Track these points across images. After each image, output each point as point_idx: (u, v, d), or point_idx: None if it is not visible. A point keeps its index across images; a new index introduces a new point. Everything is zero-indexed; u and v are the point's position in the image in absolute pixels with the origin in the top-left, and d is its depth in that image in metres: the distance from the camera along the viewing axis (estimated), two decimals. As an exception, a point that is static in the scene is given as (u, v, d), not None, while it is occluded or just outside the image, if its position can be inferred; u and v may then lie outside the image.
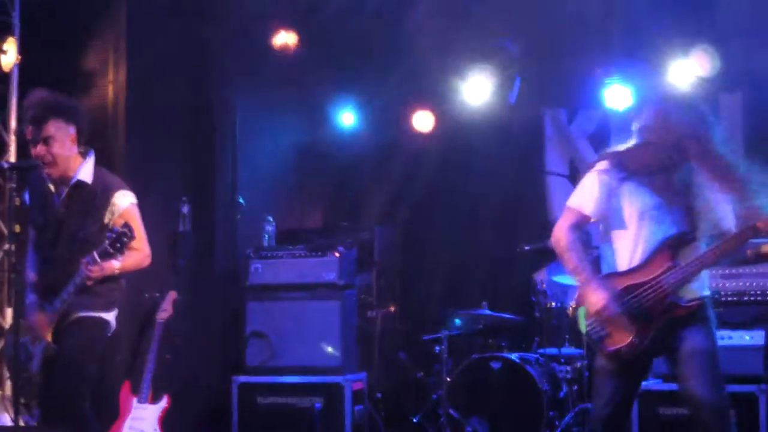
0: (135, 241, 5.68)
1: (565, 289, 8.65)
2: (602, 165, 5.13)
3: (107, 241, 5.50)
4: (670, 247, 4.97)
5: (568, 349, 8.21)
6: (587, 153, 10.04)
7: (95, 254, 5.52)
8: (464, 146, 10.09)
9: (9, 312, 8.00)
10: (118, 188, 5.90)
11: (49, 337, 5.67)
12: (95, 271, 5.59)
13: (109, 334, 5.91)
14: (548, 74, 9.80)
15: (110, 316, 5.89)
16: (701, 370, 4.87)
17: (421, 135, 10.20)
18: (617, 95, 9.34)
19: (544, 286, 8.60)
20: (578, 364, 8.11)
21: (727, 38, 8.71)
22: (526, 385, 7.86)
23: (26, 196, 6.03)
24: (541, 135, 10.26)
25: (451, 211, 10.18)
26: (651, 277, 4.96)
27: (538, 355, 8.29)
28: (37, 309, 5.75)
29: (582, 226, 5.18)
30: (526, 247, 8.86)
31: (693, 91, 5.13)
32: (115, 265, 5.71)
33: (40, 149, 5.75)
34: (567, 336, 8.25)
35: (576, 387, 8.08)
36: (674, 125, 4.97)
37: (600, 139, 9.94)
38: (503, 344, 8.53)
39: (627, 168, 5.06)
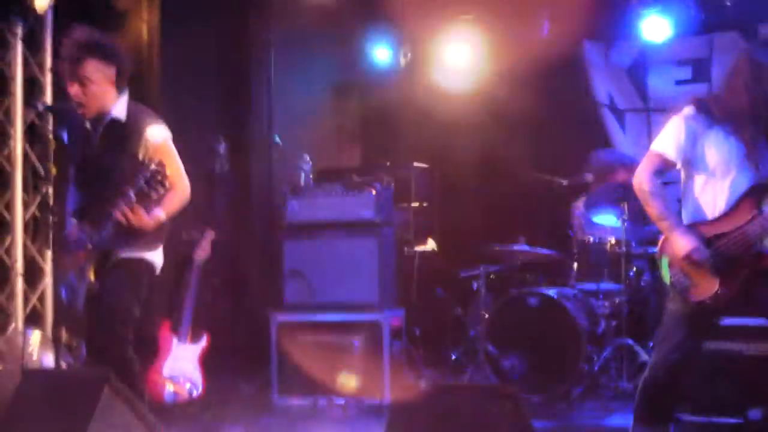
0: (172, 176, 5.63)
1: (604, 224, 8.60)
2: (688, 110, 5.02)
3: (142, 179, 5.44)
4: (755, 196, 4.89)
5: (607, 284, 8.17)
6: (626, 86, 9.96)
7: (131, 193, 5.48)
8: (501, 80, 10.01)
9: (49, 254, 8.09)
10: (151, 123, 5.79)
11: (91, 275, 5.67)
12: (142, 220, 5.54)
13: (155, 274, 5.87)
14: (585, 6, 9.69)
15: (153, 256, 5.84)
16: None
17: (457, 71, 10.11)
18: (655, 27, 9.25)
19: (582, 221, 8.54)
20: (616, 300, 8.08)
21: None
22: (564, 320, 7.84)
23: (65, 135, 6.01)
24: (584, 66, 10.15)
25: (489, 147, 10.13)
26: (736, 226, 4.88)
27: (576, 290, 8.26)
28: (76, 245, 5.74)
29: (665, 171, 5.09)
30: (564, 182, 8.84)
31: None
32: (160, 214, 5.64)
33: (76, 89, 5.70)
34: (605, 271, 8.20)
35: (614, 322, 8.06)
36: (763, 74, 4.85)
37: (638, 71, 9.87)
38: (540, 279, 8.51)
39: (714, 115, 4.96)
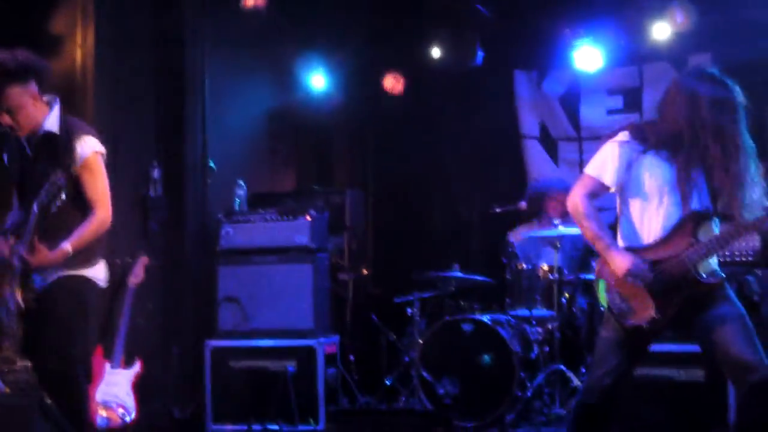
0: (92, 198, 5.55)
1: (539, 251, 8.69)
2: (623, 136, 5.06)
3: (44, 194, 5.29)
4: (692, 223, 4.93)
5: (540, 311, 8.24)
6: (558, 115, 10.08)
7: (28, 235, 5.34)
8: (435, 108, 10.10)
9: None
10: (81, 134, 5.64)
11: (17, 294, 5.53)
12: (45, 258, 5.40)
13: (99, 289, 5.72)
14: (518, 35, 9.82)
15: (95, 272, 5.70)
16: (741, 335, 4.81)
17: (391, 97, 10.18)
18: (587, 57, 9.38)
19: (515, 248, 8.62)
20: (549, 326, 8.15)
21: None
22: (498, 346, 7.90)
23: (4, 156, 5.88)
24: (512, 96, 10.27)
25: (423, 174, 10.20)
26: (673, 252, 4.92)
27: (509, 317, 8.32)
28: None
29: (598, 194, 5.11)
30: (497, 209, 8.91)
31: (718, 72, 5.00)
32: (66, 247, 5.47)
33: (6, 119, 5.58)
34: (538, 297, 8.27)
35: (547, 348, 8.13)
36: (697, 102, 4.90)
37: (570, 100, 10.00)
38: (475, 306, 8.56)
39: (648, 141, 5.01)
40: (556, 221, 8.27)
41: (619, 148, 5.06)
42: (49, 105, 5.71)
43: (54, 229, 5.52)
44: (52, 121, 5.66)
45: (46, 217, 5.49)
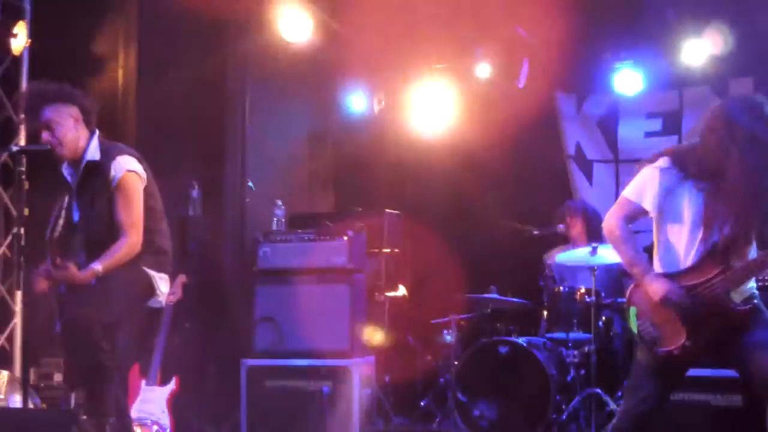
0: (122, 221, 5.61)
1: (574, 274, 8.66)
2: (663, 162, 5.05)
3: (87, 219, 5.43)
4: (724, 250, 4.91)
5: (576, 334, 8.21)
6: (596, 137, 10.07)
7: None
8: (476, 130, 10.11)
9: (19, 295, 8.06)
10: (116, 156, 5.75)
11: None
12: (74, 277, 5.48)
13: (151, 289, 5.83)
14: (559, 59, 9.81)
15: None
16: None
17: (429, 119, 10.20)
18: (627, 80, 9.37)
19: (552, 270, 8.61)
20: (586, 349, 8.11)
21: (739, 20, 8.69)
22: (534, 369, 7.87)
23: (65, 173, 5.95)
24: (554, 119, 10.26)
25: (462, 195, 10.20)
26: (704, 279, 4.91)
27: (545, 340, 8.29)
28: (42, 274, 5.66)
29: (635, 218, 5.12)
30: (535, 232, 8.90)
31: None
32: (96, 268, 5.55)
33: (46, 136, 5.73)
34: (575, 321, 8.24)
35: (583, 371, 8.09)
36: (734, 133, 4.89)
37: (608, 123, 9.97)
38: (511, 328, 8.54)
39: (687, 169, 5.00)
40: (594, 244, 8.25)
41: (660, 174, 5.05)
42: (91, 134, 5.81)
43: (97, 248, 5.61)
44: (93, 151, 5.78)
45: (88, 236, 5.62)
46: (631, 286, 5.14)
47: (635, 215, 5.13)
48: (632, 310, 5.11)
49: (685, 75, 9.38)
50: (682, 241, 5.03)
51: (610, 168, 10.05)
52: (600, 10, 8.81)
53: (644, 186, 5.09)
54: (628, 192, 5.15)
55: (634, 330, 5.10)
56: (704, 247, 4.95)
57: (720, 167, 4.91)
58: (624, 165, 9.85)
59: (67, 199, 5.80)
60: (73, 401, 7.06)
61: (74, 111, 5.78)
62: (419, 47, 9.74)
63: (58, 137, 5.71)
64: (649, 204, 5.06)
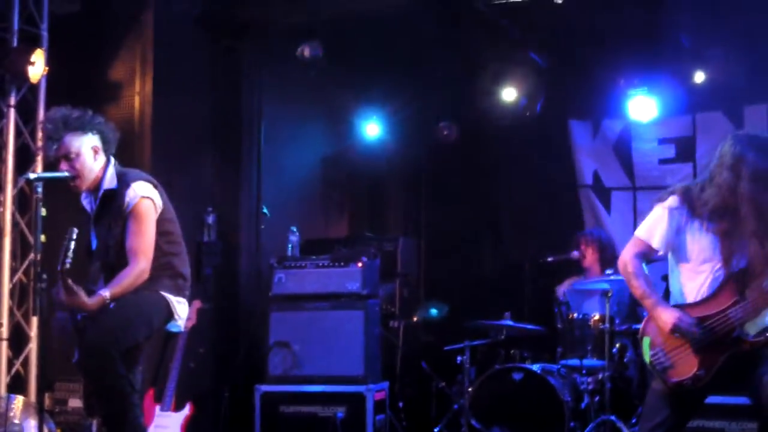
0: (132, 246, 5.61)
1: (588, 300, 8.66)
2: (673, 201, 5.11)
3: (63, 250, 5.32)
4: (737, 282, 4.94)
5: (590, 361, 8.20)
6: (613, 164, 10.06)
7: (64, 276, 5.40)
8: (488, 156, 10.14)
9: (35, 320, 8.10)
10: (131, 182, 5.74)
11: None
12: (84, 304, 5.47)
13: (168, 311, 5.81)
14: (574, 85, 9.85)
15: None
16: None
17: (445, 145, 10.24)
18: (641, 106, 9.37)
19: (566, 297, 8.61)
20: (600, 376, 8.10)
21: (753, 47, 8.71)
22: (548, 395, 7.86)
23: (85, 203, 5.98)
24: (569, 146, 10.28)
25: (475, 222, 10.22)
26: (718, 309, 4.94)
27: (559, 366, 8.29)
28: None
29: (648, 255, 5.18)
30: (549, 258, 8.92)
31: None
32: (105, 294, 5.53)
33: (63, 165, 5.74)
34: (589, 347, 8.23)
35: (597, 398, 8.07)
36: (740, 172, 4.93)
37: (622, 149, 9.97)
38: (525, 355, 8.53)
39: (695, 208, 5.05)
40: (608, 271, 8.27)
41: (668, 214, 5.11)
42: (107, 161, 5.84)
43: (115, 275, 5.64)
44: (110, 179, 5.79)
45: (106, 263, 5.66)
46: (646, 317, 5.17)
47: (648, 253, 5.19)
48: (646, 341, 5.13)
49: (698, 101, 9.40)
50: (694, 278, 5.07)
51: (628, 195, 10.03)
52: (613, 37, 8.83)
53: (654, 226, 5.15)
54: (640, 231, 5.22)
55: (647, 360, 5.12)
56: (718, 280, 4.98)
57: (731, 205, 4.95)
58: (641, 192, 9.84)
59: (81, 227, 5.81)
60: (94, 428, 7.06)
61: (95, 140, 5.78)
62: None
63: (76, 168, 5.72)
64: (658, 243, 5.12)
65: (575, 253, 8.88)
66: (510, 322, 8.60)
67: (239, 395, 8.60)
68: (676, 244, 5.11)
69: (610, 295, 8.03)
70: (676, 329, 4.95)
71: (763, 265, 4.92)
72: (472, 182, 10.22)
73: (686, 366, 4.96)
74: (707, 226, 5.01)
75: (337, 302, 8.32)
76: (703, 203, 5.04)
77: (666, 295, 5.22)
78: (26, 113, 8.24)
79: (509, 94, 9.65)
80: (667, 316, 4.98)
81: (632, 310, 8.43)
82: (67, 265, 5.29)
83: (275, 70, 9.44)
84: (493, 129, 10.11)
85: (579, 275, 8.88)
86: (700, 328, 4.93)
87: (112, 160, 5.87)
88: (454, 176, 10.36)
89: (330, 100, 10.13)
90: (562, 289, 8.79)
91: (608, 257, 8.60)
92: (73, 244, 5.30)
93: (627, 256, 5.19)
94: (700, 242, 5.04)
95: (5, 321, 7.94)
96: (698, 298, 5.03)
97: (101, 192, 5.79)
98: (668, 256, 5.20)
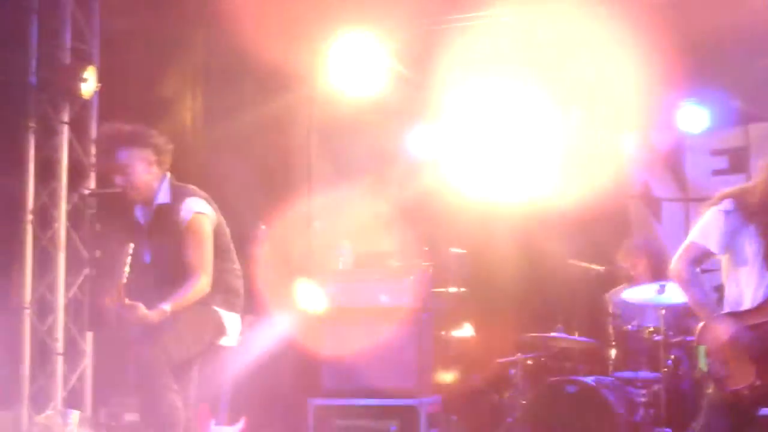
0: (191, 262, 5.66)
1: (641, 312, 8.59)
2: (727, 204, 5.09)
3: (120, 266, 5.41)
4: None
5: (645, 373, 8.13)
6: (663, 174, 10.00)
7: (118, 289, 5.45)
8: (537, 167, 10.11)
9: (89, 335, 8.17)
10: (186, 198, 5.82)
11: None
12: (143, 317, 5.51)
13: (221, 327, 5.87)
14: (623, 97, 9.78)
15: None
16: None
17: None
18: (692, 117, 9.31)
19: (619, 308, 8.55)
20: (654, 388, 8.03)
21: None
22: (602, 408, 7.80)
23: (138, 215, 6.03)
24: (618, 157, 10.22)
25: (526, 234, 10.18)
26: None
27: (613, 379, 8.23)
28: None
29: (702, 261, 5.17)
30: (601, 269, 8.87)
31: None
32: (165, 307, 5.59)
33: (120, 180, 5.83)
34: (643, 359, 8.17)
35: (652, 411, 8.00)
36: None
37: (675, 161, 9.91)
38: (578, 367, 8.48)
39: (749, 210, 5.04)
40: (662, 282, 8.20)
41: (724, 216, 5.08)
42: (163, 176, 5.88)
43: (168, 288, 5.67)
44: (164, 193, 5.84)
45: (159, 277, 5.69)
46: (701, 324, 5.12)
47: (702, 258, 5.16)
48: (701, 348, 5.09)
49: (751, 112, 9.32)
50: (749, 282, 5.04)
51: (679, 206, 9.96)
52: (663, 48, 8.77)
53: (709, 228, 5.12)
54: (694, 235, 5.18)
55: (703, 368, 5.08)
56: None
57: None
58: (694, 204, 9.76)
59: (136, 241, 5.85)
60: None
61: (148, 154, 5.85)
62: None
63: (131, 181, 5.80)
64: (715, 246, 5.09)
65: (625, 265, 8.83)
66: (562, 335, 8.56)
67: (293, 409, 8.62)
68: (733, 247, 5.08)
69: (663, 309, 7.98)
70: (733, 340, 4.91)
71: None
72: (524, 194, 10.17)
73: (744, 375, 4.92)
74: (762, 229, 4.98)
75: (390, 315, 8.32)
76: (758, 205, 5.01)
77: (719, 301, 5.18)
78: (79, 130, 8.32)
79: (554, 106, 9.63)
80: (724, 327, 4.95)
81: (686, 321, 8.35)
82: (125, 280, 5.34)
83: (326, 86, 9.45)
84: (542, 139, 10.06)
85: (630, 285, 8.81)
86: (756, 337, 4.87)
87: (168, 174, 5.92)
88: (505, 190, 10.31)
89: (381, 114, 10.12)
90: (614, 299, 8.72)
91: (659, 267, 8.52)
92: (129, 259, 5.35)
93: (680, 263, 5.15)
94: (754, 244, 5.01)
95: (61, 336, 8.02)
96: (754, 303, 4.99)
97: (155, 205, 5.84)
98: (723, 262, 5.16)
